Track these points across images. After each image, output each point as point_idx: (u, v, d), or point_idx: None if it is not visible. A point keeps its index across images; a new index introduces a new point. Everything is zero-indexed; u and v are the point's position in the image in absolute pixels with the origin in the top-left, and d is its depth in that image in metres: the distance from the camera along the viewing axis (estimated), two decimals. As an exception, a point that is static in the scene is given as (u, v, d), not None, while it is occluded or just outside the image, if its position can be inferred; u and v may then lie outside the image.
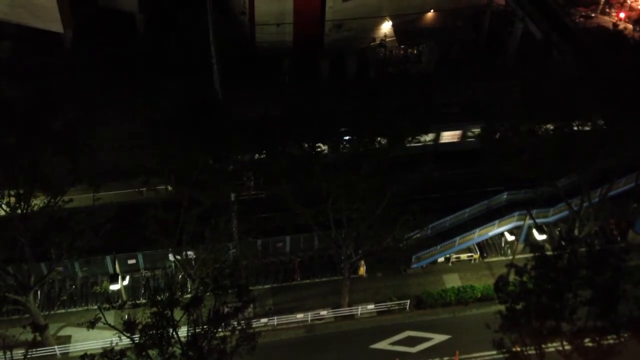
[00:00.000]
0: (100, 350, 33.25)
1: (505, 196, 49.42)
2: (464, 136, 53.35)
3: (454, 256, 49.97)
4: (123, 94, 50.58)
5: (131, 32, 61.61)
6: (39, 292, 44.38)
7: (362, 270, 48.65)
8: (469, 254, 50.43)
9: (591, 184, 44.87)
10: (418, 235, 43.90)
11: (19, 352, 38.33)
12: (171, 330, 32.69)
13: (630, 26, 69.95)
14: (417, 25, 64.27)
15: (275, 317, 45.55)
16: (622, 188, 49.36)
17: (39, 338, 37.32)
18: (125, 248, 45.75)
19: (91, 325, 34.15)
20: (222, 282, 35.59)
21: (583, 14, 71.65)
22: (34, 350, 39.51)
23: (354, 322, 46.19)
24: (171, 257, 45.07)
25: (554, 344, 36.93)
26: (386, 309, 46.70)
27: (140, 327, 32.35)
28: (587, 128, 43.01)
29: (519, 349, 35.35)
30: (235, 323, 34.83)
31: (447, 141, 53.55)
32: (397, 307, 46.69)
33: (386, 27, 62.88)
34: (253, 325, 36.95)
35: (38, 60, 57.84)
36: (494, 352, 36.65)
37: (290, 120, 40.72)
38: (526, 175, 43.12)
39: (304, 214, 41.40)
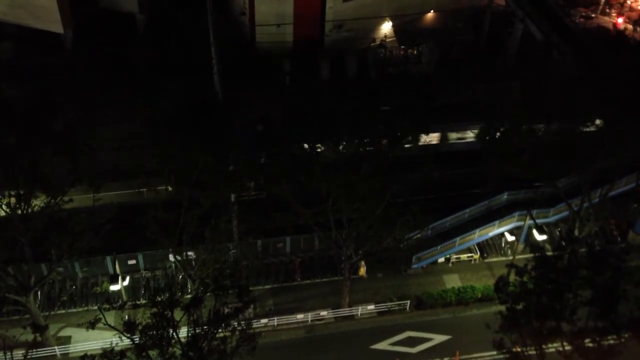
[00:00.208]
0: (100, 351, 33.21)
1: (505, 196, 49.43)
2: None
3: (454, 256, 49.97)
4: (123, 94, 50.56)
5: (131, 33, 61.58)
6: (39, 293, 44.36)
7: (363, 270, 48.65)
8: (469, 255, 50.44)
9: (591, 184, 44.88)
10: (418, 235, 43.87)
11: (19, 353, 38.30)
12: (171, 330, 32.69)
13: (630, 26, 69.98)
14: (417, 25, 64.31)
15: (276, 318, 45.54)
16: (622, 188, 49.35)
17: (39, 338, 37.30)
18: (126, 248, 45.69)
19: (91, 325, 34.19)
20: (223, 283, 35.53)
21: (583, 14, 71.67)
22: (34, 350, 39.49)
23: (354, 323, 46.18)
24: (171, 257, 45.09)
25: (555, 345, 36.92)
26: (386, 309, 46.69)
27: (140, 327, 32.35)
28: (587, 129, 43.04)
29: (519, 350, 35.35)
30: (236, 323, 34.83)
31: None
32: (397, 308, 46.69)
33: (386, 27, 62.92)
34: (253, 326, 36.97)
35: (38, 60, 57.77)
36: (494, 353, 36.67)
37: (291, 120, 40.73)
38: (526, 175, 43.12)
39: (304, 214, 41.39)
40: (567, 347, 35.44)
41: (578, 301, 33.82)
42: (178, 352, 33.25)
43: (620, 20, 70.35)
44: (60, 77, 52.69)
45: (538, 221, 46.99)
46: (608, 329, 33.86)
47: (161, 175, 39.91)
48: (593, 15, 71.89)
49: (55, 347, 43.04)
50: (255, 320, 42.79)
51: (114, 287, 44.13)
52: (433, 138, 52.65)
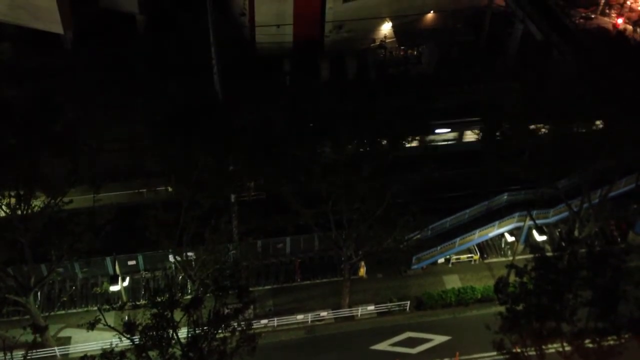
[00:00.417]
0: (100, 352, 33.18)
1: (505, 197, 49.41)
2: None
3: (454, 257, 49.95)
4: (123, 95, 50.57)
5: (131, 33, 61.60)
6: (39, 293, 44.36)
7: (363, 271, 48.63)
8: (469, 255, 50.42)
9: (591, 185, 44.86)
10: (418, 236, 43.86)
11: (19, 354, 38.25)
12: (171, 331, 32.67)
13: (630, 27, 69.98)
14: (417, 26, 64.30)
15: (276, 318, 45.52)
16: (622, 189, 49.37)
17: (39, 339, 37.37)
18: (126, 249, 45.68)
19: (91, 326, 34.21)
20: (223, 283, 35.52)
21: (583, 15, 71.64)
22: (34, 351, 39.56)
23: (354, 323, 46.16)
24: (171, 258, 45.04)
25: (555, 345, 36.84)
26: (386, 310, 46.68)
27: (140, 328, 32.35)
28: (587, 129, 43.01)
29: (519, 350, 35.32)
30: (236, 324, 34.80)
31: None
32: (397, 308, 46.68)
33: (386, 28, 62.91)
34: (253, 327, 36.90)
35: (38, 61, 57.83)
36: (494, 353, 36.57)
37: (291, 120, 40.70)
38: (526, 175, 43.10)
39: (304, 214, 41.38)
40: (567, 348, 35.40)
41: (578, 302, 33.80)
42: (178, 352, 33.23)
43: (620, 20, 70.40)
44: (60, 78, 52.74)
45: (538, 222, 46.98)
46: (608, 330, 33.82)
47: (161, 176, 39.85)
48: (593, 16, 71.89)
49: (55, 348, 43.03)
50: (255, 321, 42.71)
51: (113, 288, 44.11)
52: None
